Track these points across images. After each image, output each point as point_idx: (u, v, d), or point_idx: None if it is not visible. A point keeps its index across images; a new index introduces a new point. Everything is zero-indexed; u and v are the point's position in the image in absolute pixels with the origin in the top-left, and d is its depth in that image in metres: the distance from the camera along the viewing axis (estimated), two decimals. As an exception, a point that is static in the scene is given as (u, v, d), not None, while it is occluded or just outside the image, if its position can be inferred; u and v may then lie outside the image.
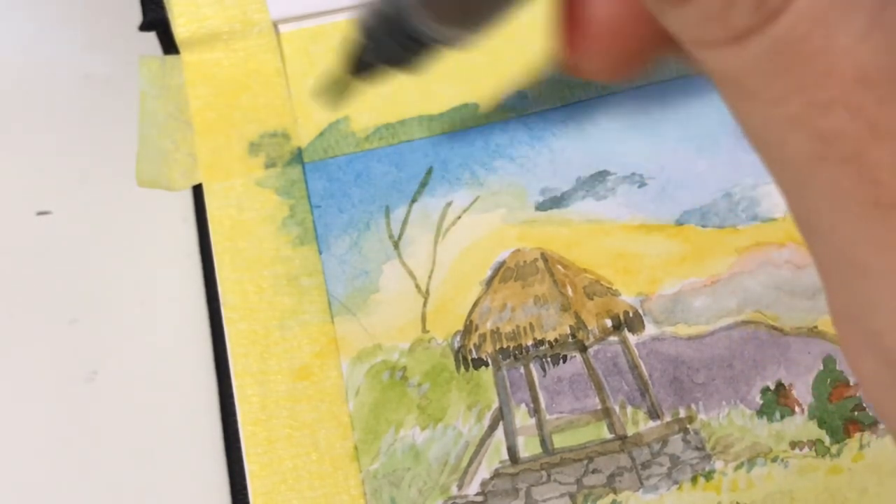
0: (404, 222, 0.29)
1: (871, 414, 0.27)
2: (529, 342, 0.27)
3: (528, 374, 0.27)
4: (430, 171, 0.29)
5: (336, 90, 0.24)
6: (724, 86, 0.12)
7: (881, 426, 0.27)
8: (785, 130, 0.11)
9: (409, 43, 0.21)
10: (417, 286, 0.28)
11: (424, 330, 0.28)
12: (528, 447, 0.27)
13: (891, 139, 0.11)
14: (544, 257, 0.28)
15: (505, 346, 0.27)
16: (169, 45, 0.31)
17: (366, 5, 0.22)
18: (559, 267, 0.28)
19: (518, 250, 0.29)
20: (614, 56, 0.16)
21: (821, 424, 0.27)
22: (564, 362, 0.27)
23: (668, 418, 0.27)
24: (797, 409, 0.27)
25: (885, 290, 0.11)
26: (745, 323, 0.28)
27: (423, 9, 0.20)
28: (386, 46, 0.22)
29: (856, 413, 0.27)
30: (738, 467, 0.26)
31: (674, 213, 0.29)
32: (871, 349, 0.12)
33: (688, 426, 0.27)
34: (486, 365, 0.27)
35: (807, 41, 0.11)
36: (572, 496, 0.26)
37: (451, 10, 0.20)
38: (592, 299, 0.28)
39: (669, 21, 0.12)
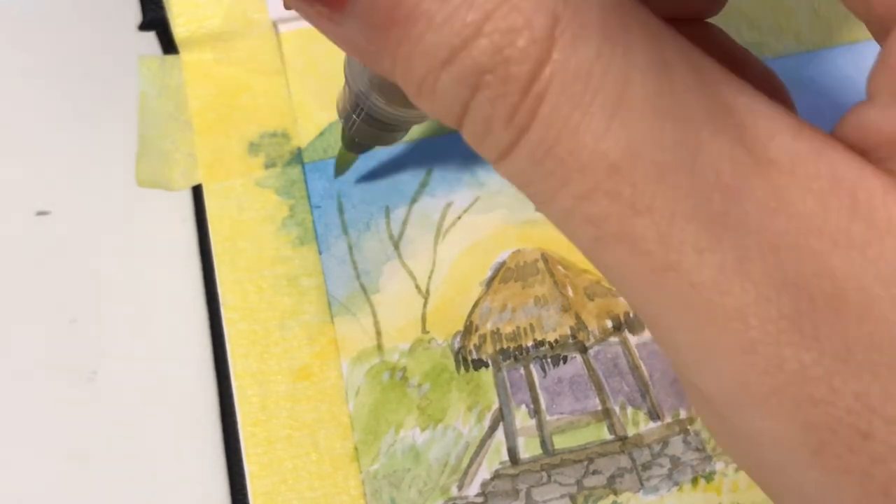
0: (404, 222, 0.29)
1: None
2: (530, 343, 0.27)
3: (529, 374, 0.27)
4: (429, 172, 0.29)
5: (343, 165, 0.28)
6: (522, 192, 0.14)
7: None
8: (567, 222, 0.13)
9: (381, 125, 0.24)
10: (417, 286, 0.28)
11: (424, 330, 0.28)
12: (528, 448, 0.27)
13: (649, 214, 0.12)
14: (545, 258, 0.28)
15: (505, 346, 0.27)
16: (168, 44, 0.31)
17: (340, 96, 0.25)
18: (560, 268, 0.28)
19: (518, 251, 0.28)
20: None
21: (822, 425, 0.27)
22: (565, 363, 0.27)
23: (668, 419, 0.27)
24: (798, 410, 0.27)
25: (681, 344, 0.13)
26: (746, 324, 0.28)
27: (377, 95, 0.23)
28: (364, 131, 0.24)
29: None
30: (738, 468, 0.26)
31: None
32: (694, 394, 0.14)
33: (688, 427, 0.27)
34: (487, 366, 0.27)
35: (558, 145, 0.12)
36: (572, 497, 0.26)
37: (402, 96, 0.22)
38: (593, 300, 0.28)
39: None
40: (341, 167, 0.28)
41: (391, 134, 0.25)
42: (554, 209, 0.13)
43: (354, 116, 0.24)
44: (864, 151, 0.13)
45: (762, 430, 0.13)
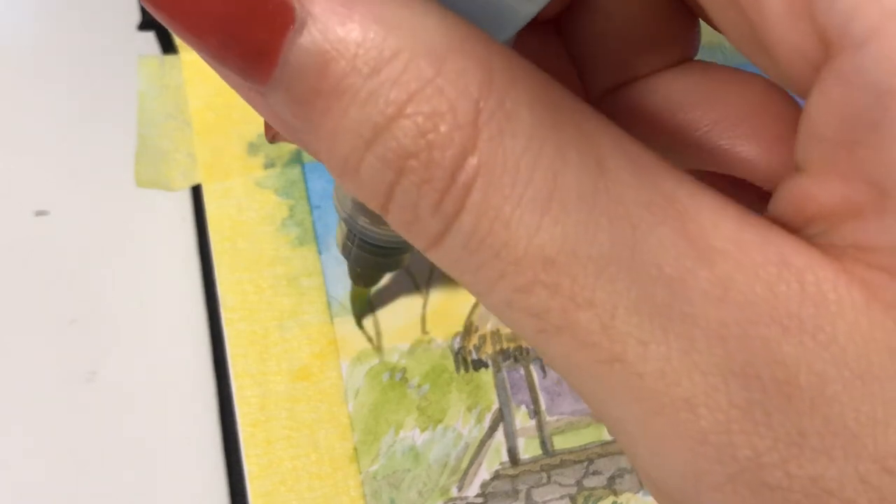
0: (404, 222, 0.29)
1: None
2: (530, 343, 0.27)
3: (529, 375, 0.27)
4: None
5: (358, 303, 0.27)
6: (458, 281, 0.13)
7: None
8: (508, 314, 0.13)
9: (378, 250, 0.24)
10: (417, 287, 0.28)
11: (424, 331, 0.28)
12: (528, 448, 0.26)
13: (590, 307, 0.12)
14: (545, 258, 0.28)
15: (505, 347, 0.27)
16: (168, 44, 0.31)
17: (337, 229, 0.25)
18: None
19: (518, 251, 0.28)
20: None
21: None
22: (565, 363, 0.27)
23: (668, 420, 0.27)
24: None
25: (633, 434, 0.13)
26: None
27: (367, 223, 0.23)
28: (365, 259, 0.24)
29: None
30: None
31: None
32: (650, 484, 0.14)
33: (689, 428, 0.27)
34: (487, 366, 0.27)
35: (491, 235, 0.12)
36: (572, 497, 0.26)
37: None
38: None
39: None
40: (357, 306, 0.28)
41: (390, 259, 0.24)
42: (492, 301, 0.13)
43: (350, 245, 0.24)
44: (802, 225, 0.13)
45: None
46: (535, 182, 0.12)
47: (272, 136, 0.18)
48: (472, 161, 0.12)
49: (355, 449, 0.26)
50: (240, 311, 0.27)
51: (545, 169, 0.12)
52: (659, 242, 0.12)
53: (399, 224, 0.13)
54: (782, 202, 0.13)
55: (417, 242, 0.13)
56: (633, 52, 0.17)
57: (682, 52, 0.18)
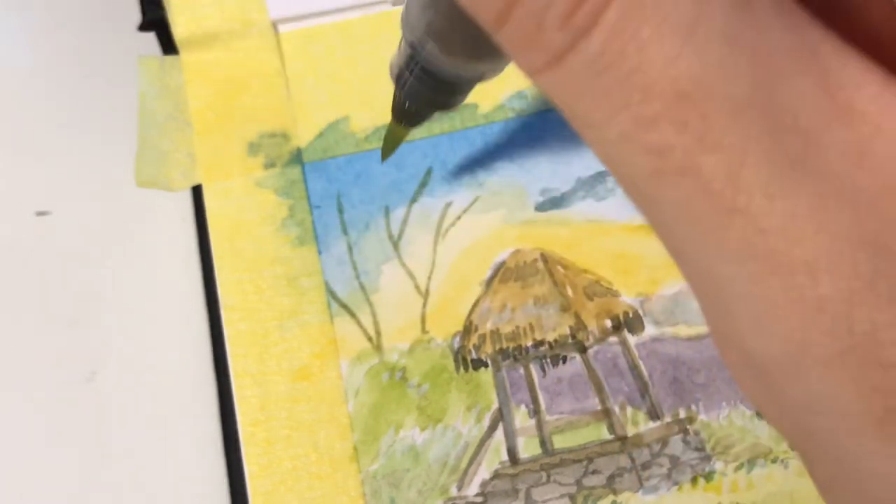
0: (404, 223, 0.29)
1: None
2: (529, 343, 0.27)
3: (528, 374, 0.27)
4: (429, 172, 0.29)
5: (391, 143, 0.25)
6: (562, 110, 0.12)
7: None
8: (621, 149, 0.12)
9: (438, 85, 0.22)
10: (417, 287, 0.28)
11: (424, 330, 0.28)
12: (527, 448, 0.26)
13: (719, 151, 0.11)
14: (544, 258, 0.28)
15: (505, 346, 0.27)
16: (168, 45, 0.31)
17: (394, 56, 0.22)
18: (559, 267, 0.28)
19: (518, 251, 0.28)
20: None
21: (821, 425, 0.27)
22: (564, 363, 0.27)
23: (668, 419, 0.27)
24: (798, 409, 0.27)
25: (737, 297, 0.12)
26: (746, 323, 0.28)
27: (436, 49, 0.20)
28: (419, 92, 0.22)
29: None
30: (738, 468, 0.26)
31: (674, 213, 0.29)
32: (741, 358, 0.13)
33: (688, 427, 0.27)
34: (486, 366, 0.27)
35: (622, 58, 0.11)
36: (572, 497, 0.26)
37: (462, 44, 0.20)
38: (592, 300, 0.28)
39: (503, 47, 0.12)
40: (389, 146, 0.26)
41: (448, 96, 0.22)
42: (605, 134, 0.12)
43: (407, 73, 0.22)
44: None
45: (821, 396, 0.12)
46: (680, 7, 0.11)
47: None
48: None
49: (355, 448, 0.26)
50: (240, 311, 0.27)
51: None
52: (799, 93, 0.11)
53: (516, 39, 0.12)
54: None
55: (533, 60, 0.12)
56: None
57: None
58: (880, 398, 0.11)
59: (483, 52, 0.20)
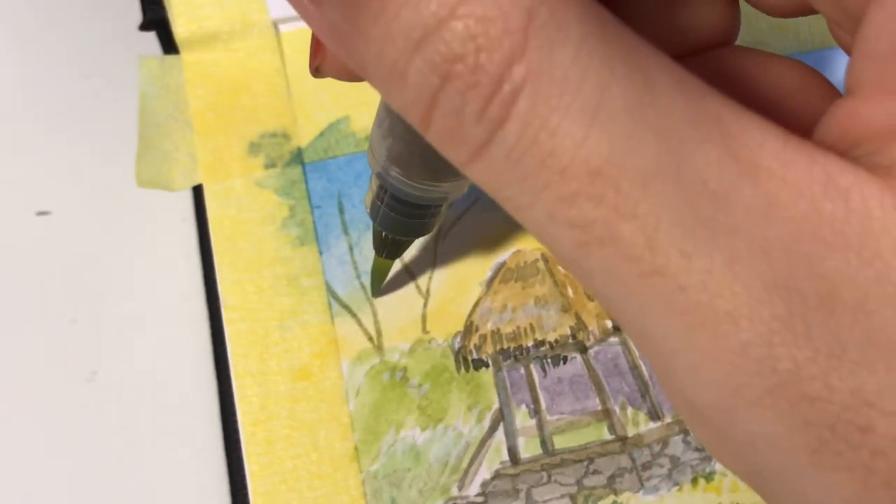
0: (404, 223, 0.29)
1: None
2: (530, 343, 0.27)
3: (529, 374, 0.27)
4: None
5: (379, 276, 0.27)
6: (493, 196, 0.13)
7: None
8: (548, 227, 0.13)
9: (409, 210, 0.23)
10: (417, 287, 0.28)
11: (425, 330, 0.28)
12: (528, 448, 0.27)
13: (634, 219, 0.12)
14: (545, 258, 0.28)
15: (505, 346, 0.27)
16: (168, 44, 0.31)
17: (366, 194, 0.24)
18: (560, 268, 0.28)
19: (519, 251, 0.28)
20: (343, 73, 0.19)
21: (821, 425, 0.27)
22: (565, 363, 0.27)
23: (668, 419, 0.27)
24: (798, 409, 0.27)
25: (670, 351, 0.13)
26: (746, 324, 0.28)
27: (400, 174, 0.22)
28: (392, 221, 0.24)
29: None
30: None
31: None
32: (685, 407, 0.13)
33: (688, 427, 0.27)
34: (487, 366, 0.27)
35: (536, 145, 0.12)
36: (573, 497, 0.26)
37: (421, 166, 0.21)
38: (593, 300, 0.28)
39: (433, 144, 0.13)
40: (377, 280, 0.27)
41: (420, 221, 0.24)
42: (533, 214, 0.13)
43: (379, 203, 0.23)
44: (848, 147, 0.13)
45: (758, 435, 0.12)
46: (583, 92, 0.12)
47: (316, 65, 0.19)
48: (520, 69, 0.12)
49: (356, 448, 0.26)
50: (240, 311, 0.27)
51: (593, 80, 0.12)
52: (705, 159, 0.12)
53: (441, 135, 0.13)
54: (829, 126, 0.13)
55: (459, 154, 0.13)
56: (673, 32, 0.17)
57: (723, 35, 0.18)
58: (812, 430, 0.12)
59: (441, 171, 0.22)
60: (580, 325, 0.28)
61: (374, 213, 0.24)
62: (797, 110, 0.17)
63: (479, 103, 0.12)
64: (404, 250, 0.26)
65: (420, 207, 0.23)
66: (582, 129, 0.12)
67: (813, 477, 0.12)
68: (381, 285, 0.27)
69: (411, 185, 0.22)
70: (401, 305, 0.28)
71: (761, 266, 0.12)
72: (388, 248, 0.25)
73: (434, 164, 0.21)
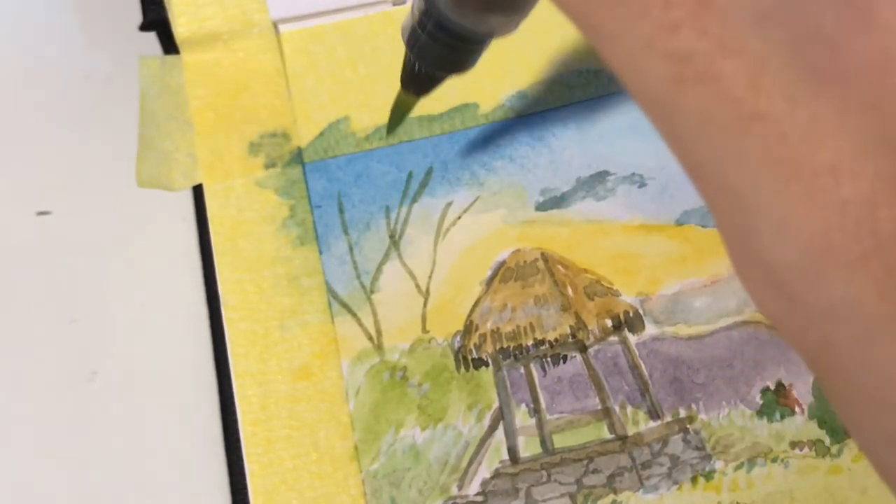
0: (404, 222, 0.29)
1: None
2: (530, 342, 0.27)
3: (529, 374, 0.27)
4: (430, 172, 0.29)
5: (399, 113, 0.25)
6: (581, 24, 0.12)
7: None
8: (641, 58, 0.12)
9: (452, 41, 0.21)
10: (417, 286, 0.28)
11: (425, 330, 0.28)
12: (528, 447, 0.27)
13: (740, 55, 0.11)
14: (544, 257, 0.28)
15: (505, 346, 0.27)
16: (169, 45, 0.31)
17: (405, 19, 0.22)
18: (559, 267, 0.28)
19: (518, 250, 0.29)
20: None
21: (821, 424, 0.27)
22: (565, 362, 0.27)
23: (668, 418, 0.27)
24: (797, 409, 0.27)
25: (757, 206, 0.12)
26: (746, 323, 0.28)
27: (450, 2, 0.20)
28: (432, 51, 0.22)
29: (856, 413, 0.27)
30: (738, 467, 0.26)
31: (674, 213, 0.29)
32: (760, 271, 0.12)
33: (688, 426, 0.27)
34: (487, 365, 0.27)
35: None
36: (572, 496, 0.26)
37: None
38: (593, 299, 0.28)
39: None
40: (396, 117, 0.26)
41: (460, 54, 0.22)
42: (624, 43, 0.12)
43: (420, 31, 0.22)
44: None
45: (843, 300, 0.11)
46: None
47: None
48: None
49: (356, 448, 0.26)
50: (241, 311, 0.27)
51: None
52: (824, 2, 0.11)
53: None
54: None
55: None
56: None
57: None
58: None
59: (495, 2, 0.20)
60: (580, 324, 0.28)
61: (411, 41, 0.22)
62: None
63: None
64: (434, 88, 0.24)
65: (464, 39, 0.22)
66: None
67: None
68: (399, 124, 0.26)
69: (460, 12, 0.21)
70: (401, 305, 0.28)
71: (871, 120, 0.11)
72: (418, 82, 0.24)
73: None
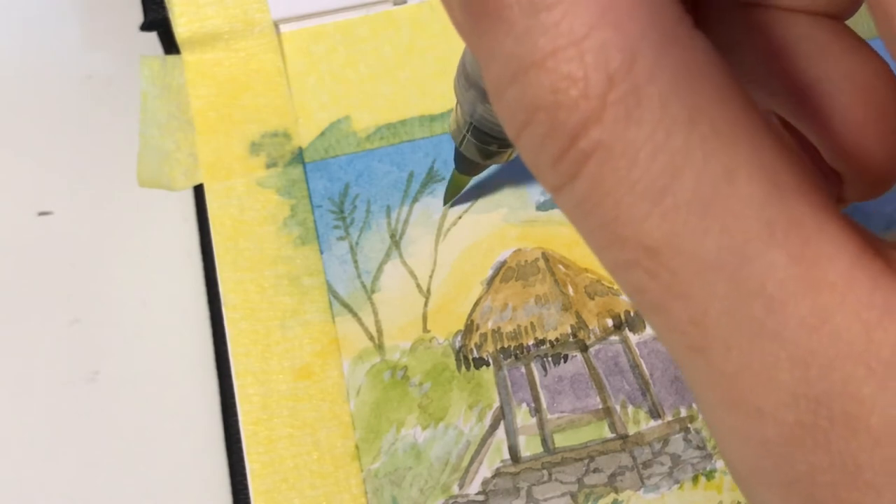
0: (405, 222, 0.29)
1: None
2: (530, 341, 0.27)
3: (530, 373, 0.27)
4: (431, 171, 0.29)
5: (454, 189, 0.28)
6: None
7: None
8: (612, 274, 0.13)
9: (489, 140, 0.24)
10: (418, 286, 0.28)
11: (425, 329, 0.28)
12: (529, 446, 0.27)
13: (684, 300, 0.12)
14: (545, 257, 0.28)
15: (506, 345, 0.27)
16: (170, 44, 0.31)
17: (452, 116, 0.26)
18: (560, 266, 0.28)
19: (519, 250, 0.29)
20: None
21: (822, 424, 0.27)
22: (565, 362, 0.27)
23: (669, 417, 0.27)
24: (798, 408, 0.27)
25: (709, 420, 0.13)
26: (747, 322, 0.28)
27: (483, 105, 0.23)
28: (470, 145, 0.25)
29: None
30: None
31: (675, 212, 0.29)
32: (728, 464, 0.14)
33: (689, 425, 0.27)
34: (488, 364, 0.27)
35: (601, 208, 0.12)
36: (573, 495, 0.26)
37: None
38: (594, 299, 0.28)
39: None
40: (452, 191, 0.28)
41: (501, 150, 0.25)
42: (598, 257, 0.13)
43: (464, 132, 0.25)
44: None
45: None
46: (651, 174, 0.12)
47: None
48: (594, 134, 0.12)
49: (357, 447, 0.26)
50: (242, 311, 0.27)
51: (664, 164, 0.12)
52: (771, 263, 0.12)
53: (526, 157, 0.13)
54: None
55: (540, 181, 0.13)
56: None
57: (837, 5, 0.17)
58: None
59: None
60: (581, 323, 0.28)
61: (457, 138, 0.25)
62: (872, 112, 0.16)
63: (553, 153, 0.12)
64: (481, 171, 0.27)
65: (501, 140, 0.24)
66: (644, 209, 0.12)
67: None
68: (454, 197, 0.29)
69: (495, 122, 0.23)
70: (401, 304, 0.28)
71: (798, 376, 0.12)
72: (466, 168, 0.27)
73: None
